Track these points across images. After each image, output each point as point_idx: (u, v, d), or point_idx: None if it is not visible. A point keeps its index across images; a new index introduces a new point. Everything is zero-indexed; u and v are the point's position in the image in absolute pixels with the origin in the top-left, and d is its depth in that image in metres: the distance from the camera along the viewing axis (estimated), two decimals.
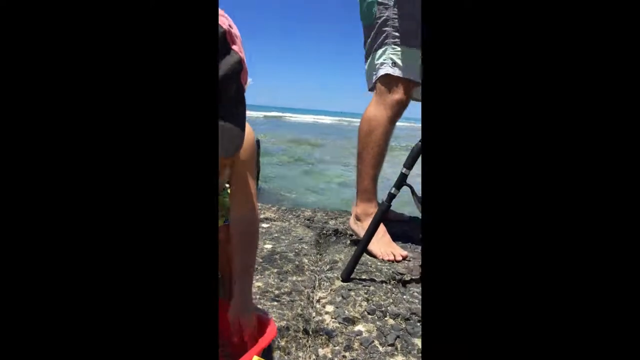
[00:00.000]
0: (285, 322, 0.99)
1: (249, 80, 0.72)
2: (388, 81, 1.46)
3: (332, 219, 1.98)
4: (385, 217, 1.30)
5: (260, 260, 1.36)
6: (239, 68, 0.65)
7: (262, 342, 0.69)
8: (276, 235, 1.67)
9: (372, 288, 1.18)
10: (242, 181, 0.83)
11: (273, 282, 1.20)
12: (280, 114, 34.66)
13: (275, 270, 1.30)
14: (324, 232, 1.78)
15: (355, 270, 1.24)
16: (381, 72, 1.47)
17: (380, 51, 1.48)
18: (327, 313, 1.06)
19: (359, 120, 1.55)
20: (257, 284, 1.19)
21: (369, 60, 1.54)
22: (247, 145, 0.72)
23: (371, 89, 1.55)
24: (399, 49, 1.44)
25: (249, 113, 0.69)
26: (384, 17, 1.45)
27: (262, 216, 1.97)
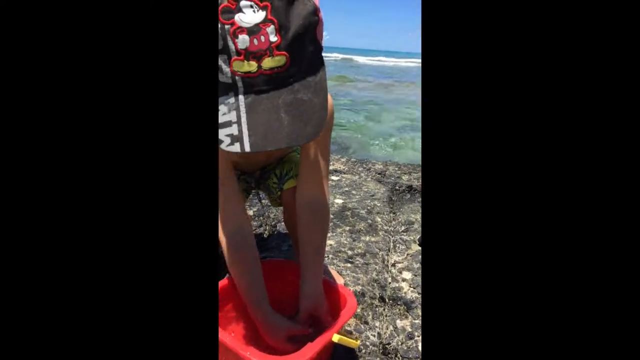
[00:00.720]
0: (360, 287, 0.94)
1: (324, 34, 0.53)
2: None
3: (405, 173, 1.86)
4: None
5: (332, 216, 1.31)
6: (315, 20, 0.49)
7: (343, 318, 0.64)
8: (346, 189, 1.60)
9: None
10: (313, 162, 0.69)
11: (345, 242, 1.15)
12: (345, 55, 33.35)
13: (347, 228, 1.24)
14: (397, 188, 1.67)
15: None
16: None
17: None
18: (404, 280, 0.99)
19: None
20: (329, 242, 1.14)
21: None
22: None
23: None
24: None
25: None
26: None
27: (330, 168, 1.91)
